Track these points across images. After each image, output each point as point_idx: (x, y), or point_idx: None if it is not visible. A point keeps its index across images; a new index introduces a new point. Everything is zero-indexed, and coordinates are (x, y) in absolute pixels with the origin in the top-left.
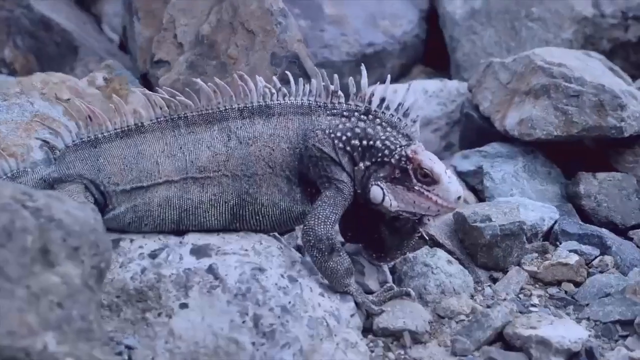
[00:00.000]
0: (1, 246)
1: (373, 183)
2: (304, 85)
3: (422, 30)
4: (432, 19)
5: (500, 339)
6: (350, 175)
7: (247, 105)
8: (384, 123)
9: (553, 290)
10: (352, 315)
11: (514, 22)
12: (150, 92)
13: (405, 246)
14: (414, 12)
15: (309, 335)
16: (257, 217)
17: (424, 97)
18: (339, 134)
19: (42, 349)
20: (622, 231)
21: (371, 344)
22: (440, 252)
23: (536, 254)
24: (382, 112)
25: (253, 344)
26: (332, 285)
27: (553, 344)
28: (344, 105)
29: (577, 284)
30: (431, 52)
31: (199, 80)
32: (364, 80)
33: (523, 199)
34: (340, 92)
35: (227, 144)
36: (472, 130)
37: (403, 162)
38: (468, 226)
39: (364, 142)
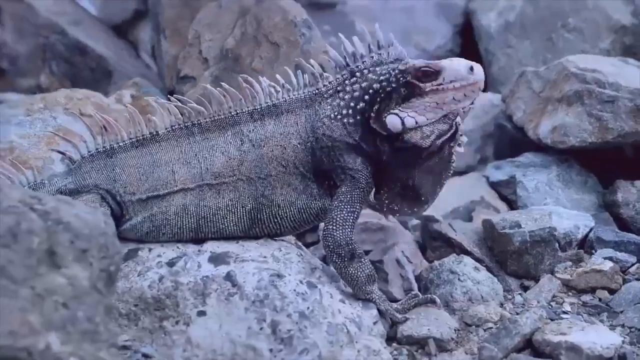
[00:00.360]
0: (6, 247)
1: (386, 115)
2: (303, 78)
3: (456, 45)
4: (467, 33)
5: (529, 346)
6: (368, 154)
7: (257, 107)
8: (370, 68)
9: (587, 297)
10: (375, 323)
11: (550, 33)
12: (164, 101)
13: (443, 179)
14: (448, 26)
15: (328, 341)
16: (276, 220)
17: None
18: (344, 112)
19: (45, 348)
20: None
21: (395, 352)
22: (467, 259)
23: (570, 262)
24: (363, 62)
25: (271, 350)
26: (354, 292)
27: (584, 350)
28: (334, 82)
29: (612, 291)
30: None
31: (208, 86)
32: (332, 52)
33: (557, 207)
34: (325, 74)
35: (241, 147)
36: (506, 141)
37: (401, 78)
38: (497, 233)
39: (367, 97)
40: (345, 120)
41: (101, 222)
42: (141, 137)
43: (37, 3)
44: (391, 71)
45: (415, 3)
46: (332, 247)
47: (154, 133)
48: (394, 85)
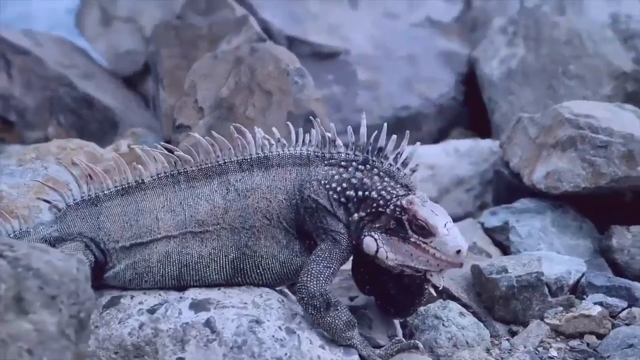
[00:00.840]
0: None
1: (366, 234)
2: (303, 135)
3: (460, 93)
4: (471, 81)
5: None
6: (347, 226)
7: (246, 158)
8: (381, 173)
9: (574, 342)
10: None
11: (551, 80)
12: (149, 149)
13: (417, 303)
14: (451, 75)
15: None
16: (258, 271)
17: (455, 156)
18: (334, 185)
19: None
20: None
21: None
22: (453, 305)
23: (561, 308)
24: (380, 162)
25: None
26: (335, 339)
27: None
28: (342, 154)
29: (601, 336)
30: (472, 115)
31: (196, 134)
32: (363, 129)
33: (549, 252)
34: (339, 142)
35: (226, 196)
36: (503, 187)
37: (398, 213)
38: (484, 278)
39: (360, 193)
40: (330, 193)
41: (73, 268)
42: (126, 185)
43: (45, 56)
44: (394, 197)
45: (419, 52)
46: (306, 299)
47: (140, 181)
48: (388, 211)
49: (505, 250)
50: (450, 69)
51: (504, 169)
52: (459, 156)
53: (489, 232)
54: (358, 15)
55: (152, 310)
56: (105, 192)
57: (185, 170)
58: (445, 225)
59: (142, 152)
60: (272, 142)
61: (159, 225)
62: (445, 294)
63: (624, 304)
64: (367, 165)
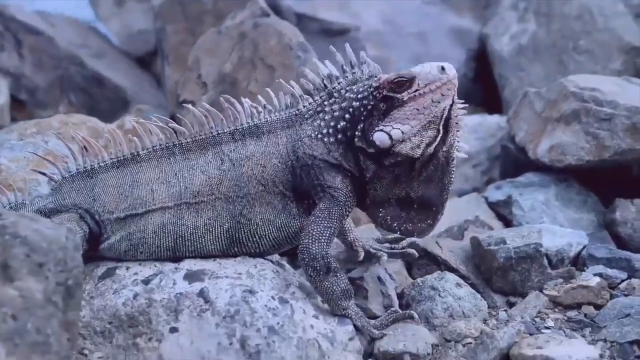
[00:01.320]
0: None
1: (372, 133)
2: (284, 98)
3: (470, 70)
4: (482, 58)
5: None
6: (349, 171)
7: (238, 128)
8: (347, 88)
9: (572, 313)
10: (350, 339)
11: (561, 55)
12: (144, 121)
13: (447, 183)
14: (462, 51)
15: (297, 356)
16: (254, 239)
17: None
18: (324, 131)
19: None
20: None
21: None
22: (449, 276)
23: (561, 280)
24: (339, 83)
25: None
26: (329, 308)
27: None
28: (313, 103)
29: (599, 307)
30: (483, 92)
31: (189, 106)
32: (310, 75)
33: (551, 225)
34: (305, 95)
35: (221, 167)
36: (509, 162)
37: (377, 93)
38: (482, 250)
39: (347, 116)
40: (325, 140)
41: (62, 236)
42: (122, 158)
43: (57, 36)
44: (368, 88)
45: (429, 29)
46: (307, 260)
47: (135, 153)
48: (372, 102)
49: (508, 224)
50: (460, 46)
51: (510, 143)
52: (466, 131)
53: (492, 206)
54: None
55: (146, 281)
56: (100, 164)
57: (180, 142)
58: (416, 66)
59: (138, 125)
60: (260, 109)
61: (154, 196)
62: (444, 266)
63: (624, 275)
64: (334, 94)
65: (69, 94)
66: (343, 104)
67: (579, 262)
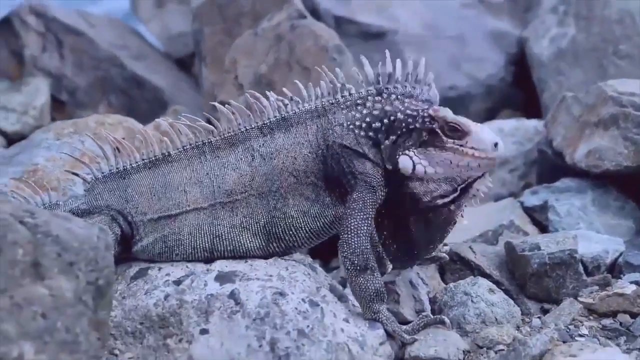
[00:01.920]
0: None
1: (401, 153)
2: (314, 89)
3: (509, 73)
4: (521, 62)
5: None
6: (377, 164)
7: (266, 122)
8: (399, 96)
9: (607, 321)
10: (381, 344)
11: (601, 60)
12: (173, 121)
13: (438, 240)
14: (501, 55)
15: (326, 359)
16: (291, 232)
17: (499, 136)
18: (357, 123)
19: (17, 356)
20: None
21: None
22: (482, 281)
23: (597, 287)
24: (395, 87)
25: None
26: (362, 309)
27: None
28: (355, 94)
29: (634, 315)
30: (521, 96)
31: (216, 103)
32: (367, 66)
33: (587, 231)
34: (348, 85)
35: (252, 163)
36: (546, 167)
37: (428, 123)
38: (516, 255)
39: (385, 121)
40: (357, 132)
41: (94, 236)
42: (153, 158)
43: (98, 37)
44: (420, 111)
45: (467, 32)
46: (346, 253)
47: (166, 154)
48: (418, 125)
49: (543, 229)
50: (499, 49)
51: (548, 148)
52: (503, 136)
53: (528, 211)
54: None
55: (178, 282)
56: (132, 164)
57: (209, 140)
58: (476, 124)
59: (168, 125)
60: (286, 101)
61: (187, 197)
62: (478, 271)
63: None
64: (383, 94)
65: (108, 95)
66: (387, 108)
67: (615, 269)
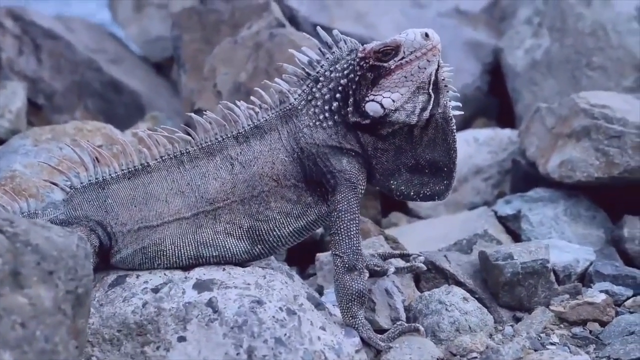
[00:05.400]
0: None
1: (364, 104)
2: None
3: (485, 83)
4: (497, 71)
5: None
6: (353, 154)
7: (240, 131)
8: (331, 69)
9: (577, 329)
10: (357, 351)
11: (574, 71)
12: (151, 132)
13: (452, 144)
14: (476, 65)
15: None
16: (275, 233)
17: (474, 145)
18: (321, 116)
19: None
20: None
21: None
22: (456, 290)
23: (567, 295)
24: (321, 66)
25: None
26: (340, 310)
27: None
28: (301, 92)
29: (604, 324)
30: (496, 105)
31: (192, 114)
32: (289, 68)
33: (559, 241)
34: (293, 88)
35: (232, 171)
36: (520, 176)
37: (364, 64)
38: (490, 265)
39: (338, 95)
40: (324, 125)
41: (73, 245)
42: (133, 169)
43: (76, 41)
44: (352, 62)
45: (445, 41)
46: (338, 252)
47: (146, 164)
48: (359, 73)
49: (516, 238)
50: (475, 59)
51: (521, 158)
52: (478, 145)
53: (502, 220)
54: (386, 3)
55: (156, 290)
56: (112, 175)
57: (187, 150)
58: (399, 33)
59: (146, 135)
60: (257, 109)
61: (169, 207)
62: (452, 279)
63: (630, 292)
64: (320, 79)
65: (85, 99)
66: (331, 85)
67: (586, 278)
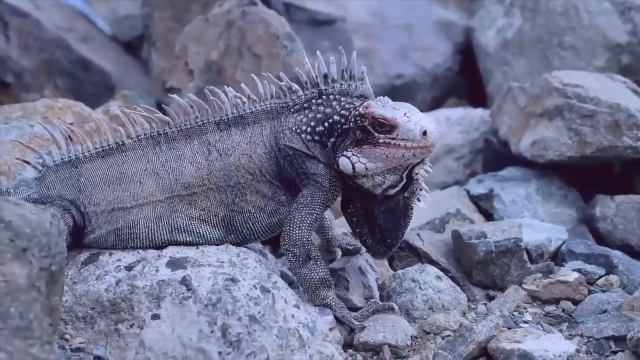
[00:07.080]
0: None
1: (340, 155)
2: (270, 87)
3: (456, 63)
4: (468, 51)
5: (485, 353)
6: (328, 165)
7: (223, 118)
8: (336, 96)
9: (550, 308)
10: (331, 329)
11: (546, 51)
12: (129, 110)
13: (403, 225)
14: (448, 45)
15: (277, 345)
16: (248, 225)
17: (446, 125)
18: (304, 128)
19: None
20: (638, 254)
21: (350, 358)
22: (430, 268)
23: (540, 274)
24: (332, 87)
25: (219, 353)
26: (309, 297)
27: (535, 358)
28: (302, 97)
29: (576, 302)
30: (467, 85)
31: (175, 96)
32: (307, 67)
33: (531, 220)
34: (295, 87)
35: (208, 157)
36: (492, 155)
37: (359, 121)
38: (463, 243)
39: (326, 124)
40: (303, 136)
41: (46, 222)
42: (107, 147)
43: (44, 19)
44: (352, 109)
45: (416, 21)
46: (287, 246)
47: (120, 143)
48: (351, 125)
49: (489, 217)
50: (447, 39)
51: (493, 137)
52: (449, 125)
53: (474, 199)
54: None
55: (129, 267)
56: (85, 153)
57: (165, 131)
58: (405, 114)
59: (123, 114)
60: (244, 99)
61: (143, 189)
62: (425, 258)
63: (602, 271)
64: (323, 96)
65: (55, 78)
66: (327, 110)
67: (558, 257)
